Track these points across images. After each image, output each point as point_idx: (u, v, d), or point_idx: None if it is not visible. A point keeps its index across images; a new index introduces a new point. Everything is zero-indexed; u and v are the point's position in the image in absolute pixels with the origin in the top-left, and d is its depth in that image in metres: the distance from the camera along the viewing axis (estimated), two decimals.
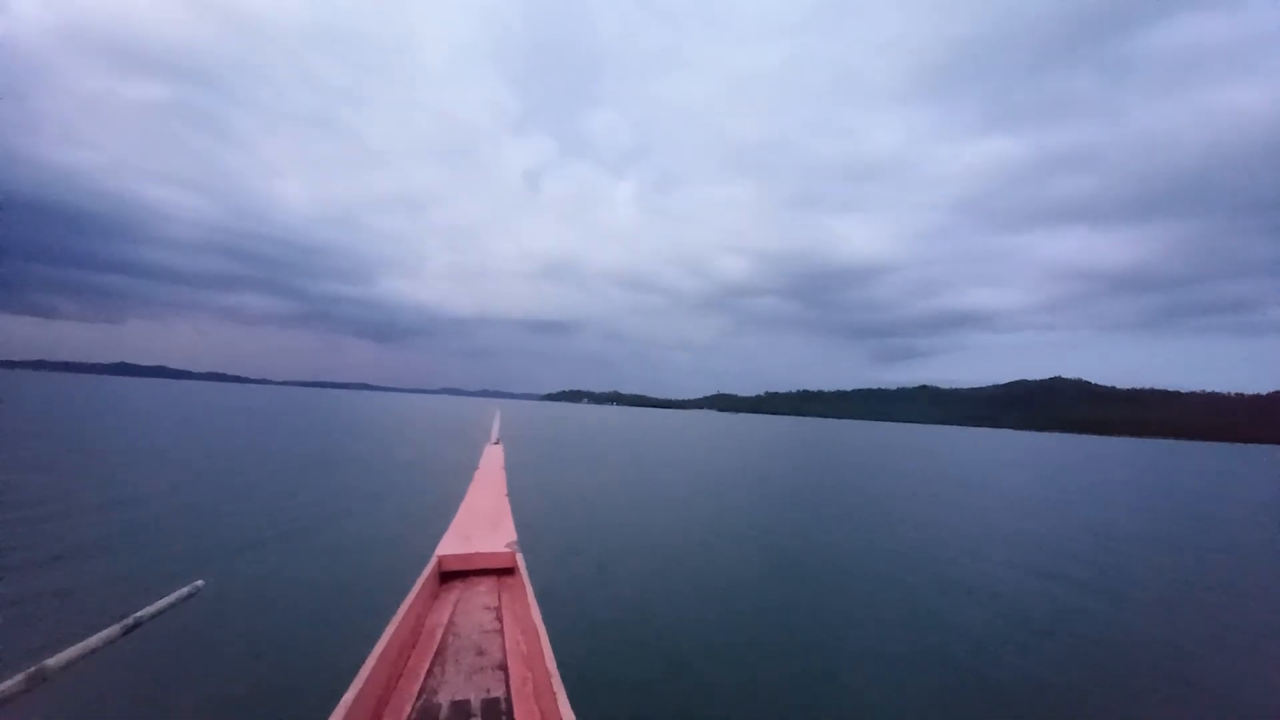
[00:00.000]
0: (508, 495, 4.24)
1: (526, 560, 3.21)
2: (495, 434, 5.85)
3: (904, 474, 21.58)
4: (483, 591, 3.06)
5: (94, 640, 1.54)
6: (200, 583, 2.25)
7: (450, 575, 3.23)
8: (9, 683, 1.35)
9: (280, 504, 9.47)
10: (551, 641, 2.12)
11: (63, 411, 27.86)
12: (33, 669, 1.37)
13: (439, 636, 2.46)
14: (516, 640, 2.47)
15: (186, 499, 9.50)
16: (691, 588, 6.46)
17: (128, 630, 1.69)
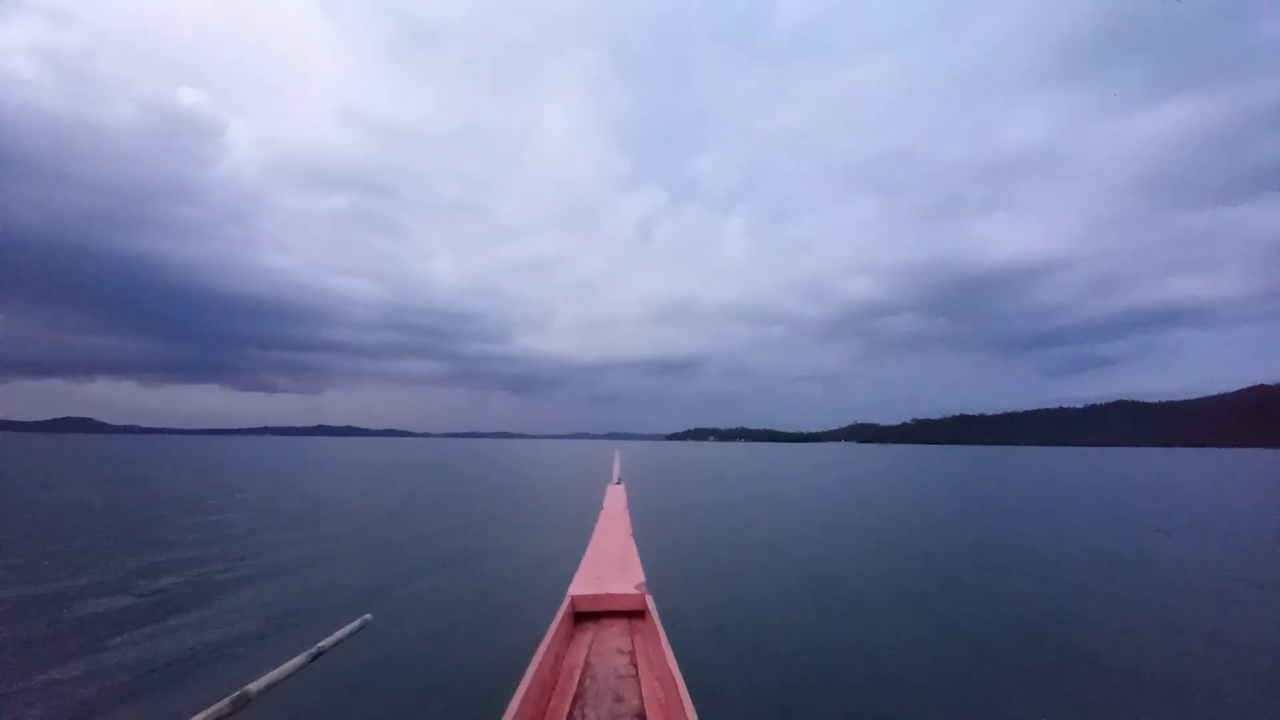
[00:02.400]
0: (633, 536, 4.27)
1: (656, 602, 3.16)
2: (616, 474, 6.00)
3: (1102, 513, 16.90)
4: (615, 634, 3.05)
5: (286, 667, 1.76)
6: (369, 616, 2.54)
7: (583, 616, 3.28)
8: (217, 705, 1.48)
9: (433, 544, 10.42)
10: (689, 690, 2.04)
11: (275, 467, 34.07)
12: (237, 693, 1.52)
13: (576, 679, 2.48)
14: (653, 687, 2.41)
15: (360, 539, 10.89)
16: (832, 639, 5.85)
17: (313, 659, 1.95)
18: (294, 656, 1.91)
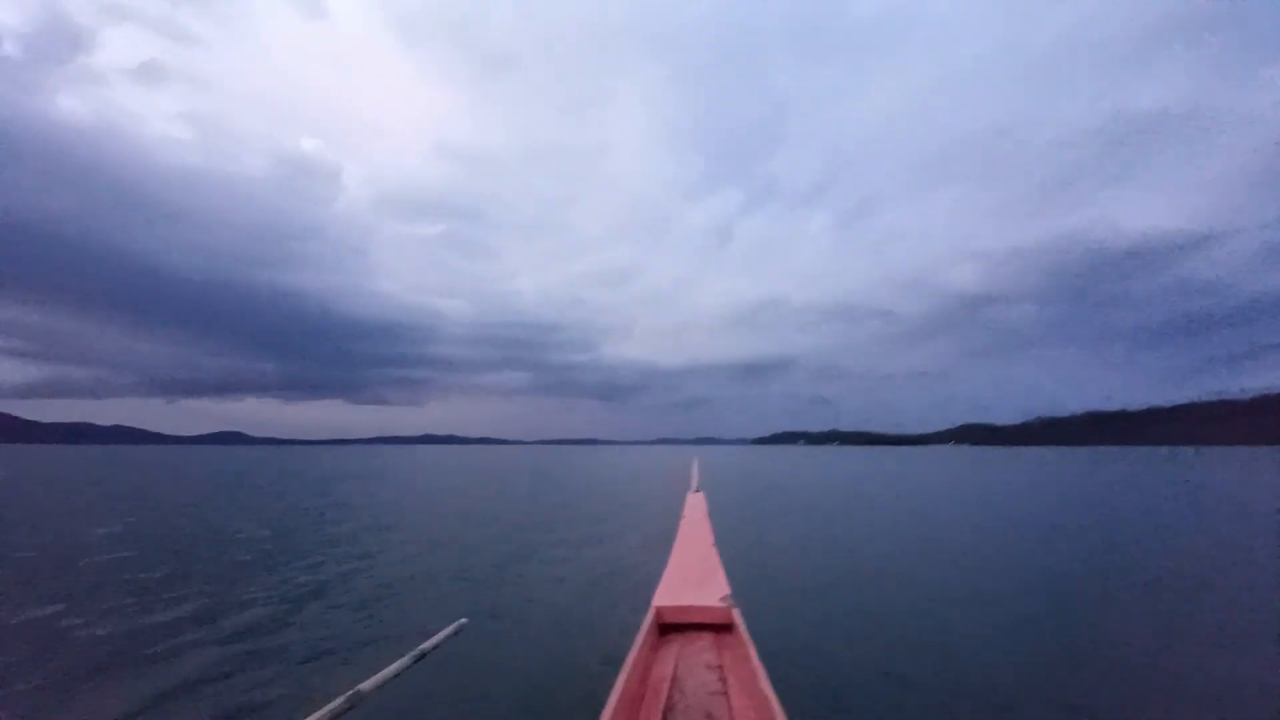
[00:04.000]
0: (715, 545, 4.18)
1: (743, 617, 3.08)
2: (695, 482, 5.89)
3: None
4: (702, 648, 3.00)
5: (394, 668, 1.91)
6: (465, 620, 2.68)
7: (668, 628, 3.26)
8: (334, 704, 1.63)
9: (522, 549, 10.82)
10: (784, 712, 1.96)
11: (385, 474, 37.25)
12: (351, 691, 1.67)
13: (664, 693, 2.46)
14: (744, 705, 2.34)
15: (456, 543, 11.52)
16: (937, 669, 5.34)
17: (416, 660, 2.10)
18: (400, 658, 2.05)
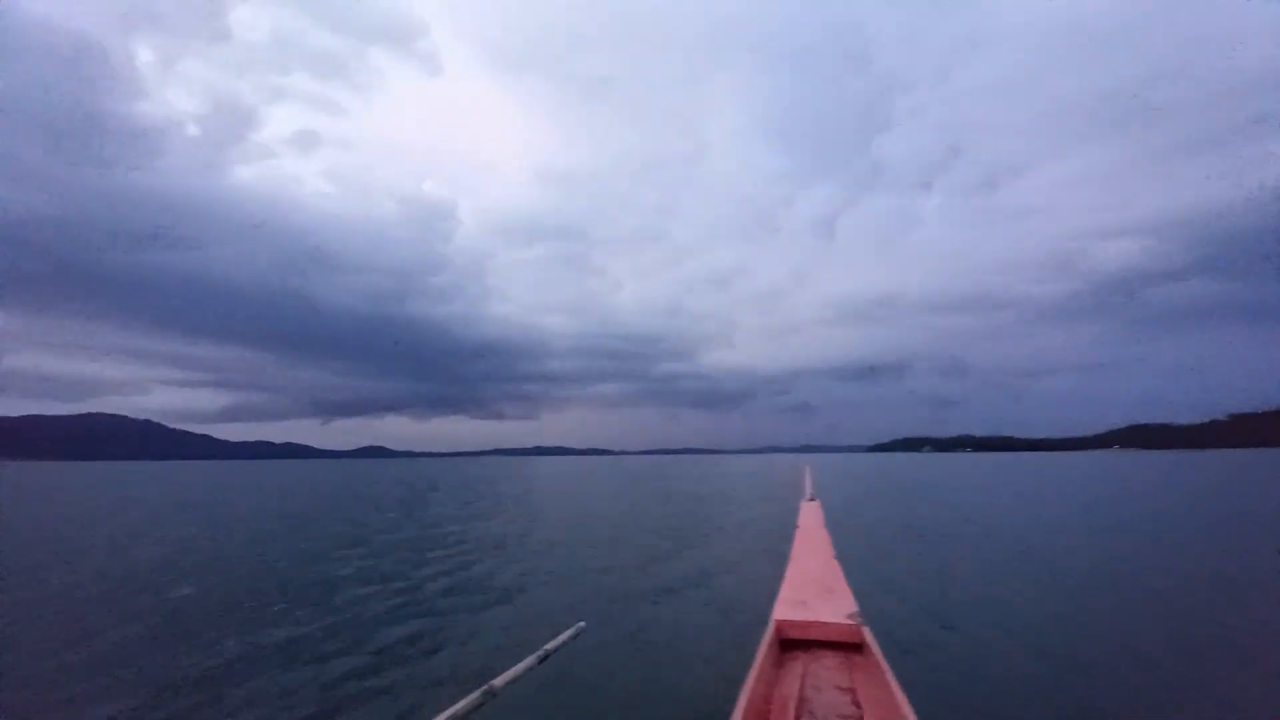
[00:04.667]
0: (836, 558, 3.91)
1: (875, 635, 2.85)
2: (808, 490, 5.55)
3: None
4: (830, 667, 2.80)
5: (521, 666, 1.99)
6: (583, 624, 2.74)
7: (790, 643, 3.10)
8: (470, 698, 1.74)
9: (634, 555, 10.92)
10: None
11: (505, 484, 39.80)
12: (485, 687, 1.77)
13: (791, 713, 2.34)
14: None
15: (571, 548, 11.96)
16: (1098, 707, 4.54)
17: (541, 660, 2.17)
18: (526, 657, 2.14)
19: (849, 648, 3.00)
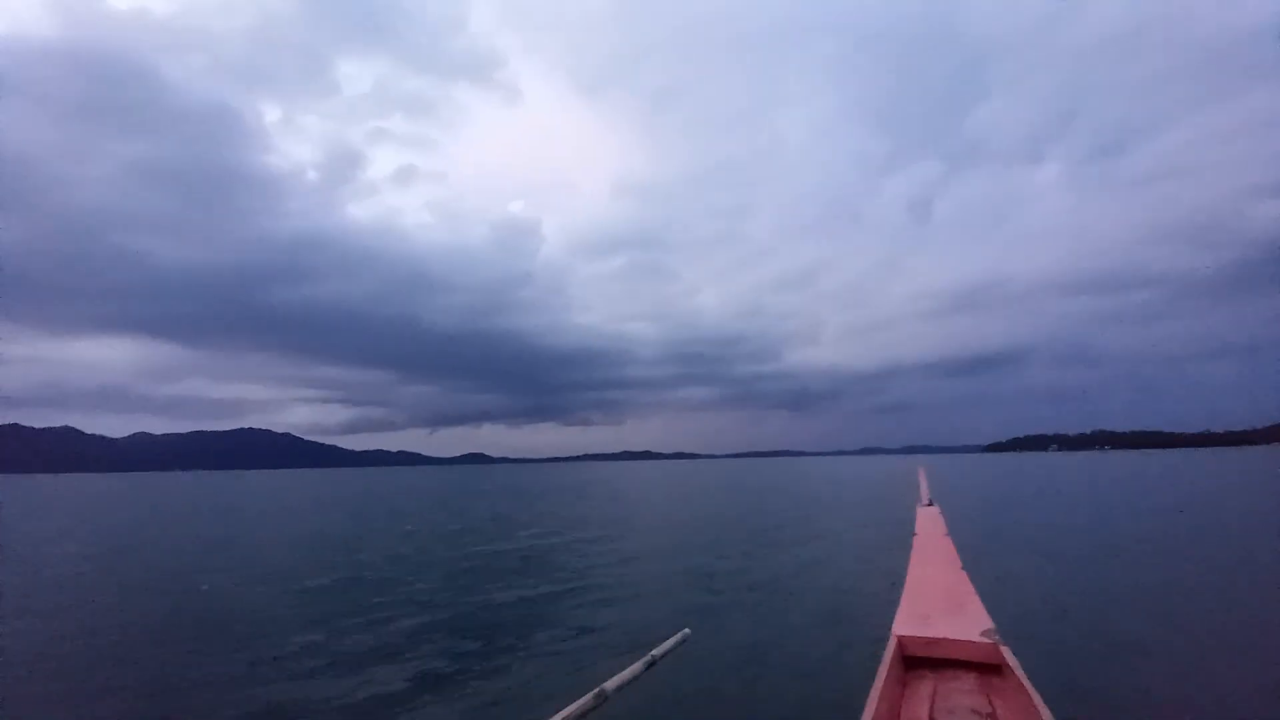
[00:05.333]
0: (964, 569, 3.52)
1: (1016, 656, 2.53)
2: (925, 494, 5.04)
3: None
4: (964, 689, 2.54)
5: (630, 671, 1.96)
6: (688, 631, 2.67)
7: (915, 661, 2.84)
8: (582, 700, 1.74)
9: (734, 562, 10.69)
10: None
11: (597, 489, 40.77)
12: (597, 689, 1.77)
13: None
14: None
15: (670, 554, 11.94)
16: None
17: (648, 665, 2.13)
18: (634, 662, 2.11)
19: (985, 668, 2.71)
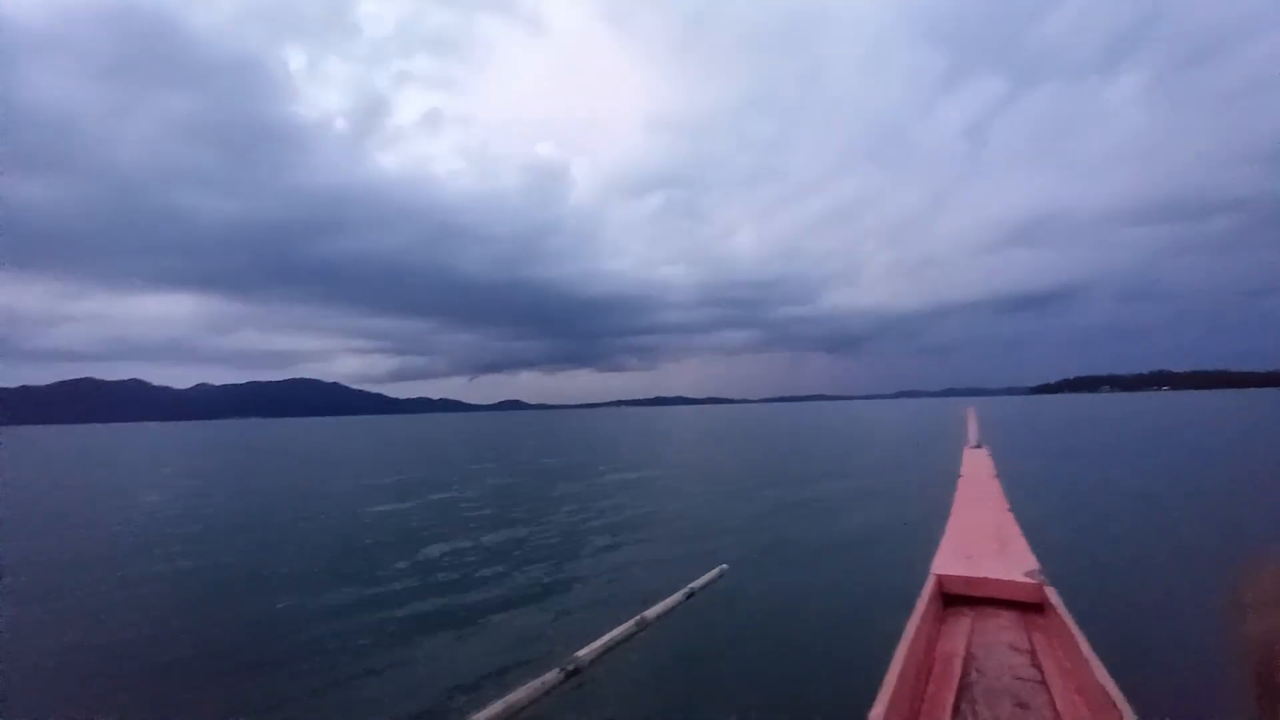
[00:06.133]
0: (1010, 510, 3.43)
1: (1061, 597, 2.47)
2: (974, 436, 4.86)
3: None
4: (1003, 626, 2.52)
5: (670, 601, 2.02)
6: (725, 566, 2.70)
7: (954, 599, 2.82)
8: (624, 626, 1.79)
9: (771, 504, 10.83)
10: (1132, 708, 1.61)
11: (628, 433, 41.67)
12: (638, 618, 1.82)
13: (958, 669, 2.12)
14: (1072, 702, 1.88)
15: (706, 496, 12.23)
16: None
17: (687, 596, 2.18)
18: (674, 593, 2.15)
19: (1027, 608, 2.67)
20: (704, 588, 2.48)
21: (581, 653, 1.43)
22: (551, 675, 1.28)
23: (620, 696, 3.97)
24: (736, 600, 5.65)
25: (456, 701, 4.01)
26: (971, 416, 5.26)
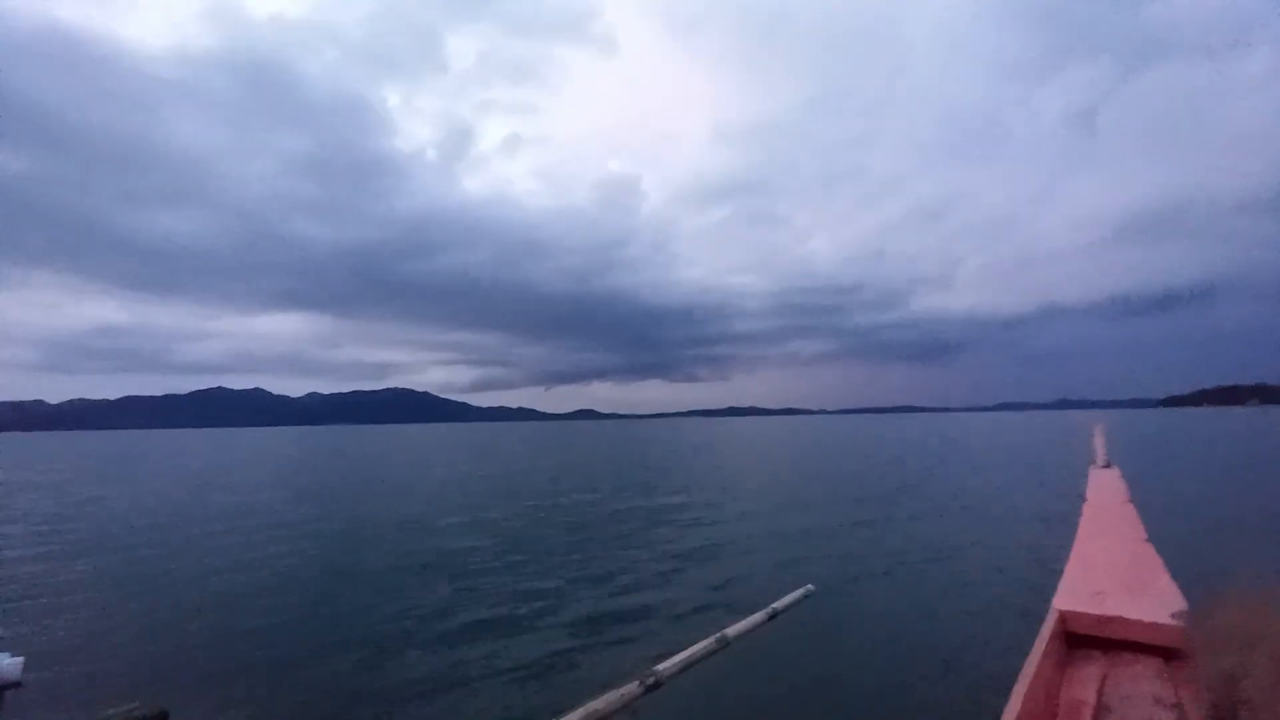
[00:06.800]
0: (1149, 541, 2.99)
1: None
2: (1101, 454, 4.26)
3: None
4: (1143, 674, 2.20)
5: (751, 620, 1.92)
6: (811, 587, 2.56)
7: (1080, 640, 2.49)
8: (705, 642, 1.73)
9: (855, 521, 10.26)
10: None
11: (704, 444, 41.12)
12: (719, 634, 1.75)
13: None
14: None
15: (791, 510, 11.77)
16: None
17: (770, 617, 2.08)
18: (756, 612, 2.06)
19: (1172, 654, 2.29)
20: (788, 609, 2.35)
21: (661, 666, 1.41)
22: (631, 687, 1.29)
23: (700, 715, 3.86)
24: (824, 624, 5.35)
25: (536, 704, 4.07)
26: (1099, 433, 4.59)
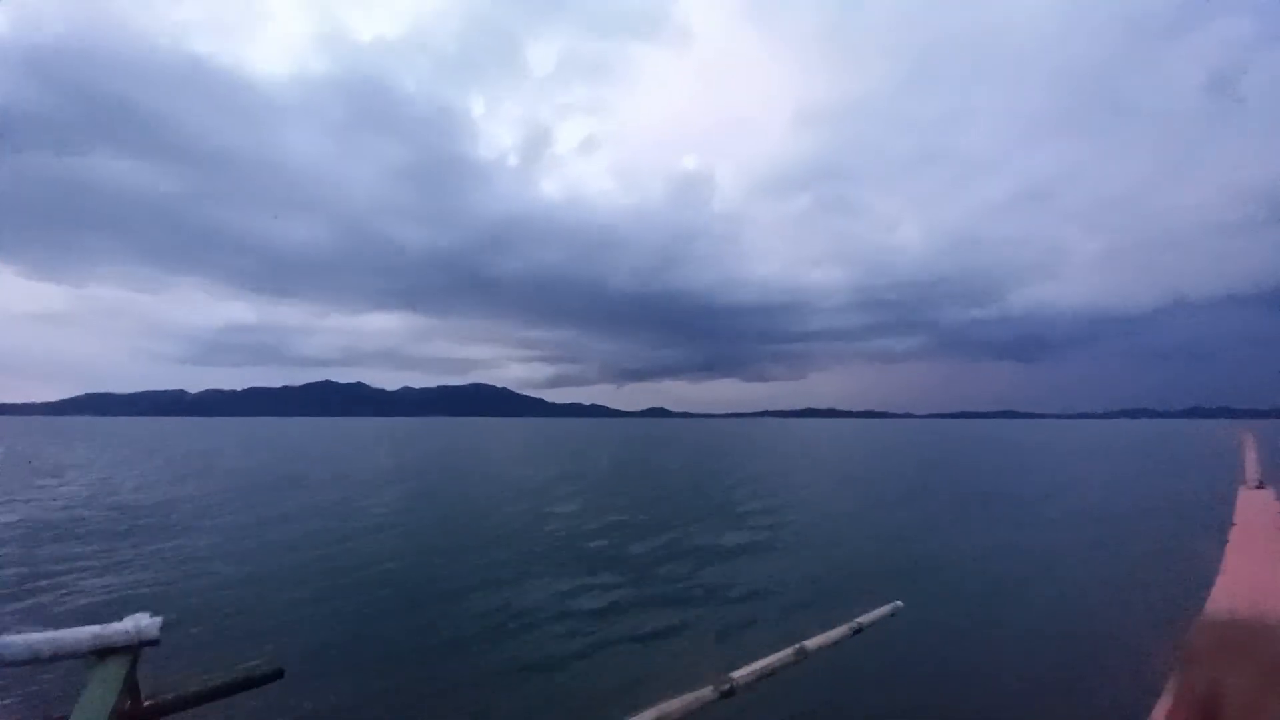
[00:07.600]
0: None
1: None
2: (1253, 473, 3.65)
3: None
4: None
5: (834, 634, 1.84)
6: (899, 603, 2.42)
7: (1219, 689, 2.16)
8: (782, 654, 1.67)
9: (953, 536, 9.66)
10: None
11: (780, 446, 39.97)
12: (797, 646, 1.69)
13: None
14: None
15: (878, 520, 11.27)
16: None
17: (854, 632, 1.99)
18: (839, 625, 1.98)
19: None
20: (873, 624, 2.23)
21: (737, 674, 1.42)
22: (706, 692, 1.29)
23: None
24: (912, 644, 5.02)
25: (609, 703, 4.10)
26: (1249, 445, 3.90)
